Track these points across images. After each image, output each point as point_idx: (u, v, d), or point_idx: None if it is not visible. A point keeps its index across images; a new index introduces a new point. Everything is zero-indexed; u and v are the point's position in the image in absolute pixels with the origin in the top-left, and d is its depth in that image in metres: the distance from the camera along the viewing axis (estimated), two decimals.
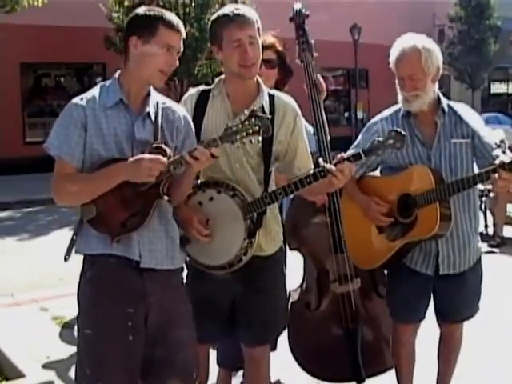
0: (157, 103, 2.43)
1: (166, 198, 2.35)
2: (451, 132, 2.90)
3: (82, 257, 2.38)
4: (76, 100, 2.34)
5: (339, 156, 2.42)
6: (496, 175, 2.48)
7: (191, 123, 2.53)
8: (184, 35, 2.38)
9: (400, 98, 2.93)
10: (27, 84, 18.14)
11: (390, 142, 2.38)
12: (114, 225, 2.29)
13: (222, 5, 13.20)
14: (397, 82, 2.91)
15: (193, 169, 2.33)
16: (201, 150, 2.25)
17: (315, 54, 3.32)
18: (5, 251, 7.93)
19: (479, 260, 3.05)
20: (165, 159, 2.24)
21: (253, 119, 2.23)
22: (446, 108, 2.93)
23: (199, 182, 2.64)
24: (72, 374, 2.73)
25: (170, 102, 2.50)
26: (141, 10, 2.37)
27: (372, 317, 3.38)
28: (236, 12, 2.52)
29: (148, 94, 2.42)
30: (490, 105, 29.89)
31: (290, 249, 3.40)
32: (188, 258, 2.65)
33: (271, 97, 2.66)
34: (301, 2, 3.35)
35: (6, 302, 5.50)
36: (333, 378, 3.39)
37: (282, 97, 2.70)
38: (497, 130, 6.01)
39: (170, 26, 2.33)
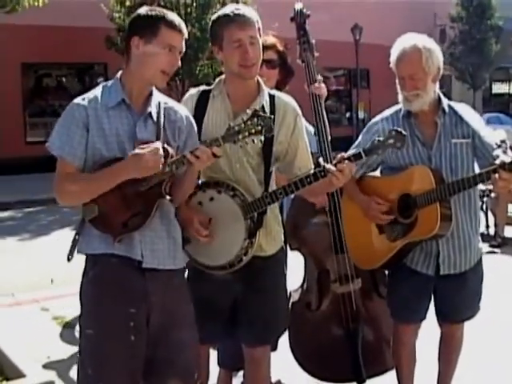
0: (159, 103, 2.43)
1: (168, 197, 2.36)
2: (452, 132, 2.90)
3: (82, 257, 2.38)
4: (78, 100, 2.35)
5: (339, 156, 2.42)
6: (496, 175, 2.47)
7: (193, 123, 2.53)
8: (186, 35, 2.38)
9: (400, 97, 2.93)
10: (28, 84, 18.14)
11: (391, 141, 2.38)
12: (116, 225, 2.29)
13: (224, 5, 13.19)
14: (397, 81, 2.92)
15: (194, 168, 2.34)
16: (202, 149, 2.27)
17: (316, 54, 3.32)
18: (6, 251, 7.93)
19: (480, 260, 3.05)
20: (161, 149, 2.23)
21: (255, 119, 2.23)
22: (446, 108, 2.93)
23: (199, 182, 2.65)
24: (72, 374, 2.74)
25: (172, 102, 2.50)
26: (143, 11, 2.37)
27: (373, 317, 3.37)
28: (236, 12, 2.52)
29: (150, 94, 2.42)
30: (492, 105, 29.87)
31: (291, 249, 3.40)
32: (188, 258, 2.65)
33: (271, 97, 2.66)
34: (302, 2, 3.36)
35: (7, 302, 5.50)
36: (333, 378, 3.39)
37: (283, 97, 2.70)
38: (498, 130, 6.02)
39: (171, 26, 2.33)
